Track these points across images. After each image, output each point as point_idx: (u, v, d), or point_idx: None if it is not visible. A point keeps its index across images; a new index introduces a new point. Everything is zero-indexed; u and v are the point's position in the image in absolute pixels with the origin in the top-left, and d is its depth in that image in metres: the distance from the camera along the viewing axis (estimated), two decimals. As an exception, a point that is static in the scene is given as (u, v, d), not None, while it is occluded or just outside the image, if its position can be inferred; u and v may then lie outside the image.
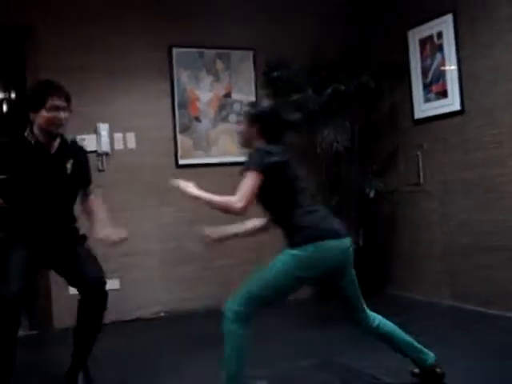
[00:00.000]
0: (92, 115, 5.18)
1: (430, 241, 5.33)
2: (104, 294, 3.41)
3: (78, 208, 3.56)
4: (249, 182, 2.72)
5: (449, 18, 5.00)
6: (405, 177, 5.59)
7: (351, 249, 2.88)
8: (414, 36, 5.41)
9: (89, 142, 5.08)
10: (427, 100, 5.30)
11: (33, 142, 3.28)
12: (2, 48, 5.57)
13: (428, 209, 5.35)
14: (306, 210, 2.79)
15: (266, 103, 3.10)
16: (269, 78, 5.69)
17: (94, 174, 5.12)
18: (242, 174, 2.80)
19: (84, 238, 3.54)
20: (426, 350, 3.04)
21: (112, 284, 5.07)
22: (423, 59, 5.33)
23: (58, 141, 3.36)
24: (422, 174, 5.38)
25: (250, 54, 5.82)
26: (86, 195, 3.59)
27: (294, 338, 4.32)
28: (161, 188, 5.40)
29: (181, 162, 5.51)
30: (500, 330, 4.22)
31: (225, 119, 5.71)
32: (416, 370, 3.09)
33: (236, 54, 5.80)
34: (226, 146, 5.69)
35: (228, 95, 5.75)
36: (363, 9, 6.07)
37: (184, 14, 5.53)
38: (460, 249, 5.01)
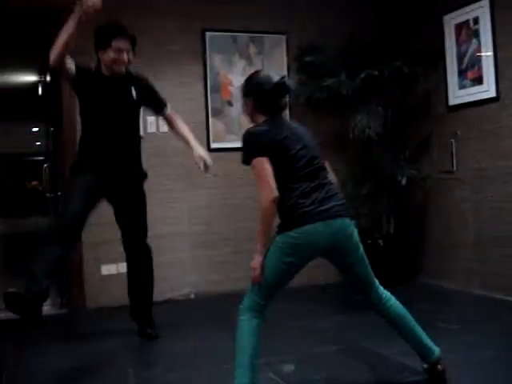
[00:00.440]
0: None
1: (462, 229, 5.28)
2: (147, 255, 4.06)
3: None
4: (262, 171, 2.68)
5: (485, 3, 4.91)
6: (437, 164, 5.53)
7: (348, 229, 2.76)
8: (450, 21, 5.33)
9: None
10: (462, 86, 5.23)
11: (100, 71, 3.72)
12: (37, 30, 5.64)
13: (460, 197, 5.29)
14: (295, 193, 2.70)
15: (255, 74, 2.99)
16: (301, 63, 5.67)
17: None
18: (244, 164, 2.77)
19: (145, 175, 4.00)
20: (431, 345, 2.94)
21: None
22: (459, 45, 5.26)
23: (123, 71, 3.75)
24: (455, 162, 5.32)
25: (283, 38, 5.80)
26: (167, 117, 4.09)
27: (321, 323, 4.33)
28: (192, 171, 5.45)
29: (212, 145, 5.54)
30: (530, 320, 4.19)
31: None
32: (425, 366, 2.99)
33: (269, 39, 5.78)
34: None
35: (261, 80, 5.74)
36: (398, -7, 6.00)
37: (217, -2, 5.54)
38: (492, 238, 4.96)
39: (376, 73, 5.29)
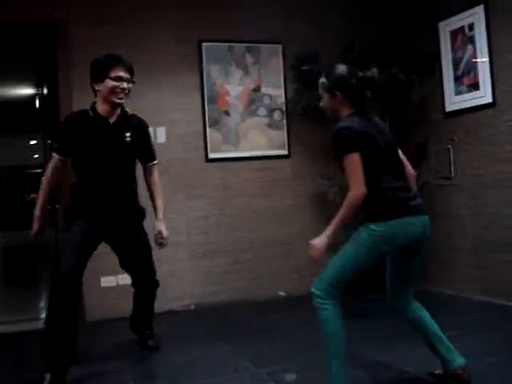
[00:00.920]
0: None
1: (461, 235, 5.28)
2: (154, 286, 3.99)
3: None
4: (353, 167, 2.72)
5: (480, 9, 4.93)
6: (435, 170, 5.54)
7: (428, 227, 2.88)
8: (445, 28, 5.35)
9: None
10: (458, 92, 5.25)
11: (92, 114, 3.50)
12: (34, 44, 5.67)
13: (459, 202, 5.30)
14: (389, 186, 2.80)
15: (340, 68, 2.97)
16: (298, 72, 5.68)
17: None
18: (336, 160, 2.80)
19: (143, 215, 3.83)
20: (457, 353, 2.99)
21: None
22: (454, 51, 5.27)
23: (118, 112, 3.56)
24: (452, 168, 5.33)
25: (279, 47, 5.82)
26: (148, 172, 3.88)
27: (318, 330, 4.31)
28: (190, 182, 5.47)
29: (210, 155, 5.54)
30: (531, 326, 4.18)
31: (254, 113, 5.72)
32: (438, 372, 3.04)
33: (265, 48, 5.80)
34: (255, 139, 5.71)
35: (257, 89, 5.76)
36: (393, 0, 6.02)
37: (213, 9, 5.56)
38: (490, 243, 4.96)
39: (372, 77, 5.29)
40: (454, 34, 5.25)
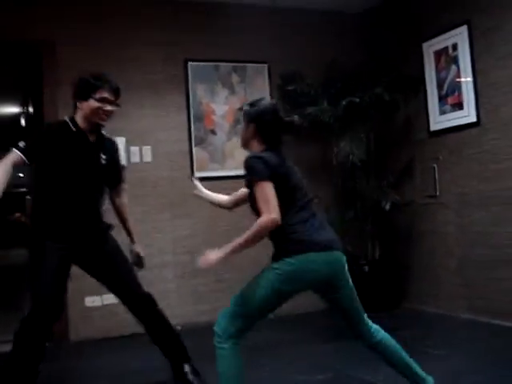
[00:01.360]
0: (109, 129, 5.20)
1: (447, 253, 5.30)
2: (150, 302, 3.66)
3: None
4: (267, 192, 2.62)
5: (463, 29, 5.00)
6: (421, 189, 5.57)
7: (343, 261, 2.75)
8: (429, 48, 5.41)
9: (105, 156, 5.16)
10: (443, 112, 5.29)
11: (74, 128, 3.34)
12: (20, 63, 5.65)
13: (444, 221, 5.32)
14: (294, 221, 2.68)
15: (264, 102, 2.97)
16: (283, 91, 5.71)
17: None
18: (246, 186, 2.76)
19: (109, 229, 3.59)
20: (424, 375, 2.86)
21: (128, 297, 5.09)
22: (438, 71, 5.33)
23: (95, 132, 3.43)
24: (438, 186, 5.35)
25: (265, 67, 5.85)
26: (117, 194, 3.68)
27: (307, 351, 4.30)
28: (176, 201, 5.45)
29: (196, 174, 5.52)
30: (518, 344, 4.18)
31: (240, 132, 5.72)
32: None
33: (251, 68, 5.83)
34: (242, 158, 5.62)
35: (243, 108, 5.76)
36: (377, 21, 6.08)
37: (199, 29, 5.58)
38: (476, 261, 4.98)
39: (357, 100, 5.35)
40: (438, 54, 5.31)
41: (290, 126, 2.91)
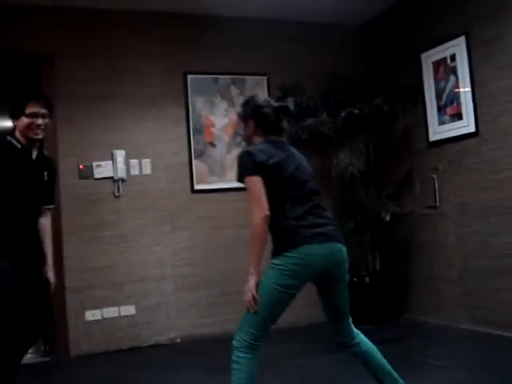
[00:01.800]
0: (108, 142, 5.23)
1: (447, 264, 5.28)
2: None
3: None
4: (255, 187, 2.69)
5: (462, 40, 5.01)
6: (420, 199, 5.56)
7: (343, 253, 2.78)
8: (427, 59, 5.42)
9: (105, 169, 5.17)
10: (442, 122, 5.30)
11: (19, 146, 3.32)
12: (19, 76, 5.66)
13: (444, 231, 5.31)
14: (290, 215, 2.70)
15: (256, 98, 3.00)
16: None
17: (110, 200, 5.23)
18: (239, 181, 2.78)
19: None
20: (401, 382, 2.83)
21: (127, 310, 5.11)
22: (437, 82, 5.34)
23: (36, 149, 3.40)
24: (437, 197, 5.35)
25: (264, 79, 5.86)
26: (44, 215, 3.54)
27: (311, 363, 4.28)
28: (175, 213, 5.44)
29: (196, 187, 5.53)
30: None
31: (239, 144, 5.72)
32: None
33: (250, 80, 5.84)
34: (241, 170, 5.69)
35: (242, 120, 5.77)
36: (376, 33, 6.10)
37: (197, 41, 5.60)
38: (477, 272, 4.96)
39: (356, 111, 5.35)
40: (437, 64, 5.32)
41: (286, 110, 2.96)
